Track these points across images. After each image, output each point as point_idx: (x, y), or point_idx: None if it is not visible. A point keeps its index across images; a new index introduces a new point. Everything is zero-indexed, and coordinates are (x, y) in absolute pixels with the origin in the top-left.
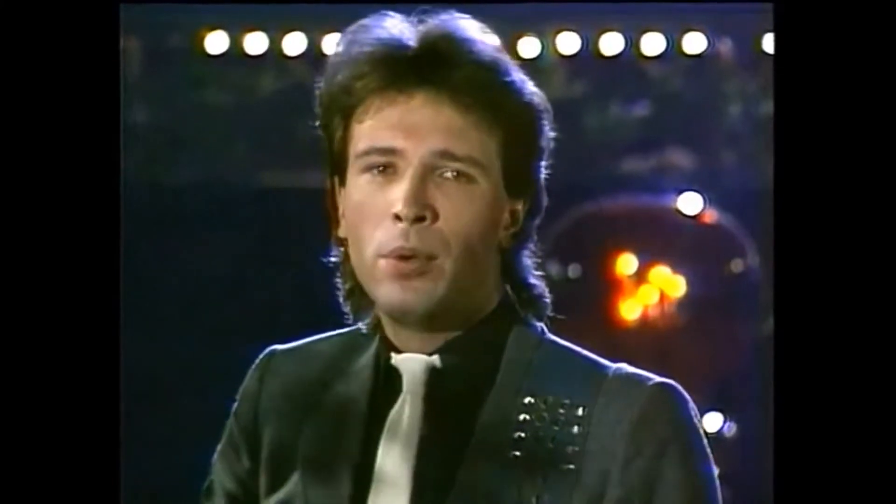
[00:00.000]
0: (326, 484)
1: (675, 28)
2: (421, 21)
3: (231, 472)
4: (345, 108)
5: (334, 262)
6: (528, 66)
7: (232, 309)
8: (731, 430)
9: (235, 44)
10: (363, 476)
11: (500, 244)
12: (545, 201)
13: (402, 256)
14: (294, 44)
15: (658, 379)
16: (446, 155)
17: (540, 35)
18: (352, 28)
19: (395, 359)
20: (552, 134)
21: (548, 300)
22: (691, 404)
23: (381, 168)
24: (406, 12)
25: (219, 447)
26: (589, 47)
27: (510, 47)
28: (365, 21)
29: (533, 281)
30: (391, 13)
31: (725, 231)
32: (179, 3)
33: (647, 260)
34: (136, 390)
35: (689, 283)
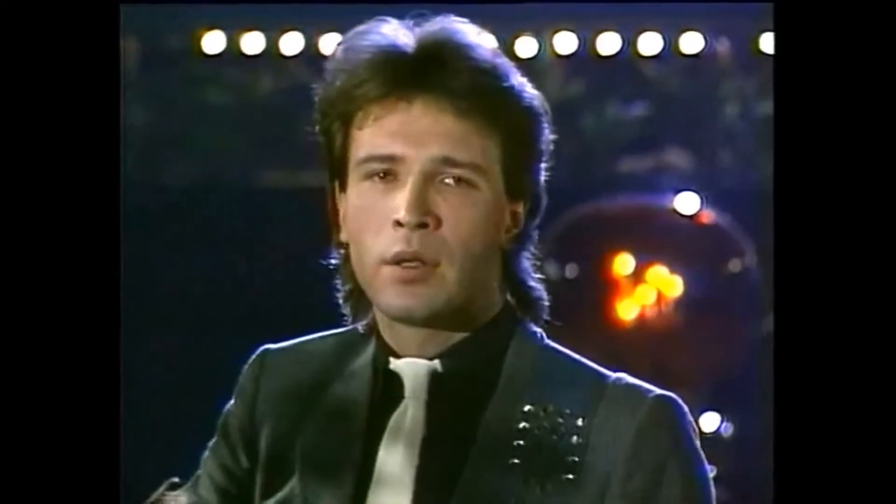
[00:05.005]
0: (325, 486)
1: (671, 28)
2: (418, 25)
3: (224, 470)
4: (344, 115)
5: (334, 265)
6: (526, 65)
7: (231, 308)
8: (728, 430)
9: (232, 43)
10: (363, 479)
11: (500, 246)
12: (545, 202)
13: (404, 261)
14: (291, 43)
15: (658, 391)
16: (447, 161)
17: (537, 35)
18: (349, 34)
19: (395, 363)
20: (552, 136)
21: (545, 303)
22: (689, 416)
23: (381, 175)
24: (405, 12)
25: (211, 443)
26: (586, 47)
27: (507, 47)
28: (362, 27)
29: (532, 283)
30: (388, 18)
31: (723, 231)
32: (179, 2)
33: (645, 260)
34: (136, 389)
35: (686, 283)
